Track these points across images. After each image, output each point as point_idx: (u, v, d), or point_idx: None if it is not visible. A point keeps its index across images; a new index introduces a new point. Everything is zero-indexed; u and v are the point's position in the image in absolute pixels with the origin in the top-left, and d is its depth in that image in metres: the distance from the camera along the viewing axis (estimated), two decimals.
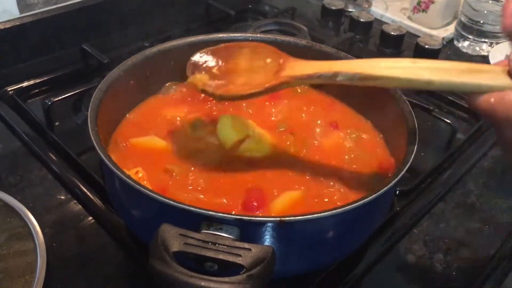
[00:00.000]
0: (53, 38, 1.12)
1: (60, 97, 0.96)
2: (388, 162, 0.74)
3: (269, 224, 0.53)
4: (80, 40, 1.12)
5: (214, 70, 0.68)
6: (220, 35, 0.88)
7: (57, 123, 0.97)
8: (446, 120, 0.97)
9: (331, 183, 0.70)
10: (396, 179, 0.59)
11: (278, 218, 0.52)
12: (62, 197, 0.82)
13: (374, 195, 0.56)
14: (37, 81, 1.07)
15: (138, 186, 0.55)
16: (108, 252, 0.74)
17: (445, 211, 0.86)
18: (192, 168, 0.70)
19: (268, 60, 0.66)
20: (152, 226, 0.52)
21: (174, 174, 0.70)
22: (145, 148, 0.76)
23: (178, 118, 0.80)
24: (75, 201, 0.82)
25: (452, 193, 0.89)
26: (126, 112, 0.83)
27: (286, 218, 0.52)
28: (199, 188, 0.68)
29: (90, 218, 0.79)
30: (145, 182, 0.68)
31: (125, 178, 0.56)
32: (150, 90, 0.86)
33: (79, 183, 0.84)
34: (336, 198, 0.68)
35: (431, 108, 0.98)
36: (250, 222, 0.53)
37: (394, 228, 0.81)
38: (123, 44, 1.17)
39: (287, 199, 0.66)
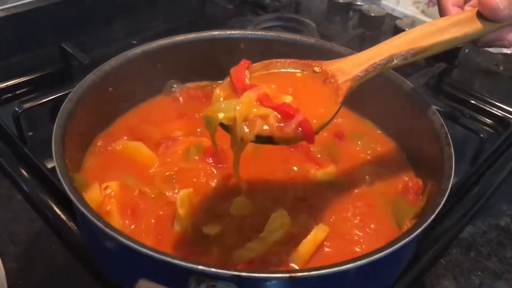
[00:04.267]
0: (28, 36, 1.00)
1: (34, 104, 0.84)
2: (415, 184, 0.63)
3: (275, 282, 0.42)
4: (59, 38, 1.00)
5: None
6: (215, 32, 0.78)
7: (30, 133, 0.85)
8: (473, 129, 0.85)
9: (354, 211, 0.61)
10: (430, 219, 0.48)
11: (288, 274, 0.41)
12: (32, 222, 0.71)
13: (402, 242, 0.46)
14: (9, 83, 0.95)
15: (111, 231, 0.44)
16: None
17: (475, 236, 0.75)
18: (169, 193, 0.61)
19: (299, 75, 0.56)
20: (129, 276, 0.41)
21: (153, 197, 0.61)
22: (129, 155, 0.66)
23: (169, 142, 0.70)
24: (48, 227, 0.70)
25: (482, 214, 0.78)
26: (107, 123, 0.72)
27: (298, 274, 0.41)
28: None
29: (64, 248, 0.67)
30: (112, 201, 0.58)
31: (95, 220, 0.44)
32: (133, 98, 0.75)
33: (52, 205, 0.72)
34: (361, 236, 0.58)
35: (457, 115, 0.86)
36: (251, 279, 0.41)
37: (418, 259, 0.69)
38: (108, 42, 1.04)
39: (312, 241, 0.55)
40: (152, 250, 0.42)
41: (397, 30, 1.18)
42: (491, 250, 0.73)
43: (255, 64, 0.56)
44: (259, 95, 0.50)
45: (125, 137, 0.68)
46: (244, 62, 0.55)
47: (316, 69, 0.56)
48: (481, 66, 1.19)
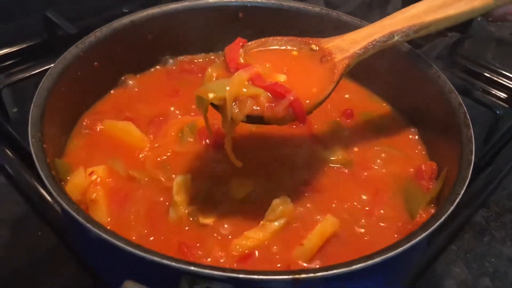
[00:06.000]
0: (10, 4, 0.93)
1: (17, 78, 0.79)
2: (428, 167, 0.58)
3: (277, 284, 0.37)
4: (43, 5, 0.93)
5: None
6: (211, 0, 0.71)
7: (15, 110, 0.80)
8: (488, 104, 0.80)
9: (363, 197, 0.57)
10: (448, 212, 0.43)
11: (291, 276, 0.36)
12: (17, 206, 0.66)
13: (418, 238, 0.42)
14: None
15: (92, 227, 0.39)
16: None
17: (489, 220, 0.71)
18: (163, 179, 0.56)
19: (295, 53, 0.55)
20: (116, 275, 0.38)
21: (143, 183, 0.56)
22: (117, 136, 0.62)
23: (161, 118, 0.64)
24: (33, 211, 0.65)
25: (496, 196, 0.74)
26: (93, 101, 0.67)
27: (302, 276, 0.37)
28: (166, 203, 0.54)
29: (50, 233, 0.62)
30: (98, 188, 0.54)
31: (75, 215, 0.40)
32: (122, 73, 0.70)
33: (38, 187, 0.67)
34: (372, 226, 0.54)
35: (470, 89, 0.81)
36: (250, 281, 0.37)
37: (428, 245, 0.65)
38: (97, 10, 0.98)
39: (319, 235, 0.51)
40: (138, 248, 0.38)
41: None
42: (506, 234, 0.69)
43: (250, 43, 0.54)
44: (251, 74, 0.48)
45: (113, 117, 0.63)
46: (238, 41, 0.54)
47: (314, 47, 0.55)
48: (495, 35, 1.13)
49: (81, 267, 0.59)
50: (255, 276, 0.37)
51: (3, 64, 0.90)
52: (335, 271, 0.37)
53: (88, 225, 0.39)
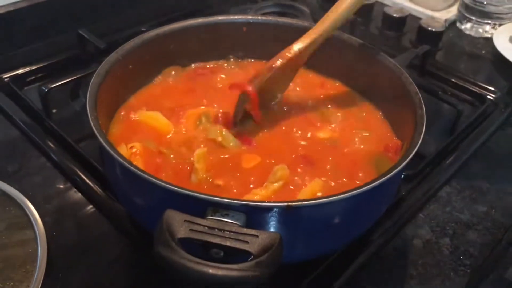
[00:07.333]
0: (49, 24, 1.09)
1: (57, 84, 0.93)
2: (394, 144, 0.73)
3: (276, 210, 0.52)
4: (76, 25, 1.08)
5: None
6: (220, 17, 0.86)
7: (54, 110, 0.94)
8: (451, 102, 0.95)
9: (344, 166, 0.70)
10: (404, 162, 0.57)
11: (285, 203, 0.51)
12: (62, 186, 0.80)
13: (381, 179, 0.55)
14: (33, 67, 1.04)
15: (142, 173, 0.53)
16: (109, 240, 0.72)
17: (451, 195, 0.84)
18: (187, 153, 0.70)
19: None
20: (155, 212, 0.50)
21: (171, 156, 0.70)
22: (148, 123, 0.76)
23: (181, 110, 0.79)
24: (75, 189, 0.80)
25: (458, 177, 0.88)
26: (128, 96, 0.81)
27: (293, 203, 0.51)
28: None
29: (91, 206, 0.77)
30: (137, 157, 0.68)
31: (127, 165, 0.54)
32: (150, 74, 0.84)
33: (78, 171, 0.82)
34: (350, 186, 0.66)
35: (436, 90, 0.96)
36: (257, 208, 0.51)
37: (400, 213, 0.79)
38: (121, 28, 1.13)
39: (309, 191, 0.65)
40: (176, 186, 0.52)
41: (386, 16, 1.27)
42: (464, 205, 0.82)
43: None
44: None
45: (144, 108, 0.78)
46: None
47: None
48: (465, 50, 1.27)
49: (122, 234, 0.72)
50: (260, 203, 0.51)
51: (42, 74, 1.06)
52: (317, 200, 0.52)
53: (139, 172, 0.54)
